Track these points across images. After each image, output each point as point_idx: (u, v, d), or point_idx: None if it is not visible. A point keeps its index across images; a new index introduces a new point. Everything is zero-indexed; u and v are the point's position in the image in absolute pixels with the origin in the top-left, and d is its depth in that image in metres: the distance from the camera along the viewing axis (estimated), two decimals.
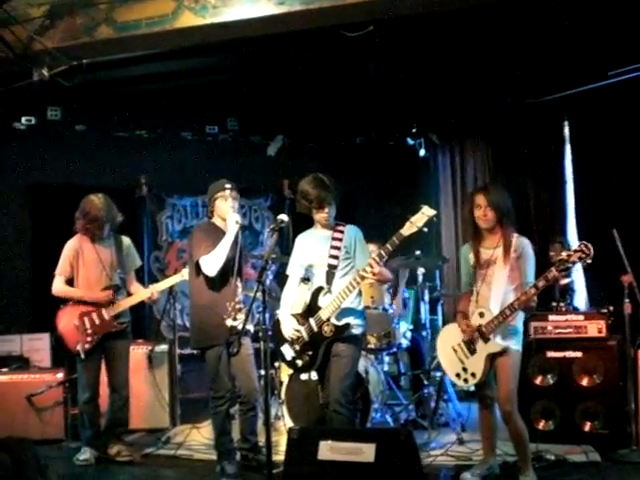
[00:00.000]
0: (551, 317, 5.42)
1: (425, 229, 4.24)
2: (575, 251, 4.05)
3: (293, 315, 4.62)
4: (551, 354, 5.32)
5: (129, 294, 5.43)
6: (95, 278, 5.30)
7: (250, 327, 4.87)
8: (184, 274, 5.34)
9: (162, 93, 7.15)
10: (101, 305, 5.24)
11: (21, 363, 6.33)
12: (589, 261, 4.04)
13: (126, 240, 5.51)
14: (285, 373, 5.69)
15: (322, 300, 4.50)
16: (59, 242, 5.41)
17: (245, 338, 4.77)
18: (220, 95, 7.30)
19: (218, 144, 8.10)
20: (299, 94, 7.33)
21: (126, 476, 5.03)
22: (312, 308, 4.53)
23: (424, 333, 6.18)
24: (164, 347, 6.30)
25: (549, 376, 5.31)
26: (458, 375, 4.47)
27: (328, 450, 3.80)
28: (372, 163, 8.50)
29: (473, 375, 4.39)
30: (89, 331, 5.19)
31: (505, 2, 5.26)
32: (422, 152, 8.54)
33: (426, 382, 5.87)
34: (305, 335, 4.53)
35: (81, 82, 6.02)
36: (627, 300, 5.05)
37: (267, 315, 4.33)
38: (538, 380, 5.32)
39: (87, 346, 5.17)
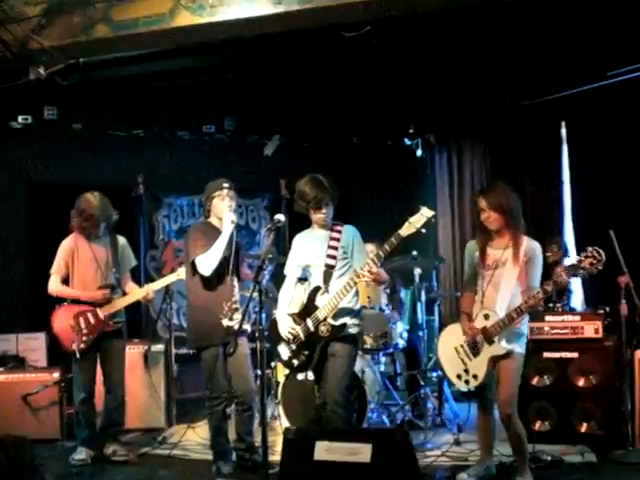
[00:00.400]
0: (548, 318, 5.41)
1: (424, 230, 4.23)
2: (586, 257, 3.99)
3: (290, 315, 4.61)
4: (547, 355, 5.32)
5: (124, 294, 5.42)
6: (90, 277, 5.28)
7: (247, 327, 4.86)
8: (180, 273, 5.33)
9: (159, 92, 7.12)
10: (97, 304, 5.23)
11: (17, 362, 6.29)
12: (600, 267, 3.97)
13: (121, 240, 5.49)
14: (281, 373, 5.69)
15: (319, 300, 4.50)
16: (55, 241, 5.39)
17: (242, 338, 4.77)
18: (217, 94, 7.28)
19: (215, 143, 8.07)
20: (296, 94, 7.32)
21: (122, 476, 5.00)
22: (309, 308, 4.52)
23: (420, 333, 6.17)
24: (160, 347, 6.29)
25: (545, 377, 5.32)
26: (459, 376, 4.42)
27: (324, 450, 3.78)
28: (369, 163, 8.48)
29: (475, 377, 4.35)
30: (84, 331, 5.18)
31: (503, 3, 5.27)
32: (419, 152, 8.52)
33: (422, 382, 5.87)
34: (302, 335, 4.53)
35: (78, 81, 6.02)
36: (623, 301, 5.06)
37: (264, 315, 4.32)
38: (534, 380, 5.32)
39: (82, 346, 5.16)
